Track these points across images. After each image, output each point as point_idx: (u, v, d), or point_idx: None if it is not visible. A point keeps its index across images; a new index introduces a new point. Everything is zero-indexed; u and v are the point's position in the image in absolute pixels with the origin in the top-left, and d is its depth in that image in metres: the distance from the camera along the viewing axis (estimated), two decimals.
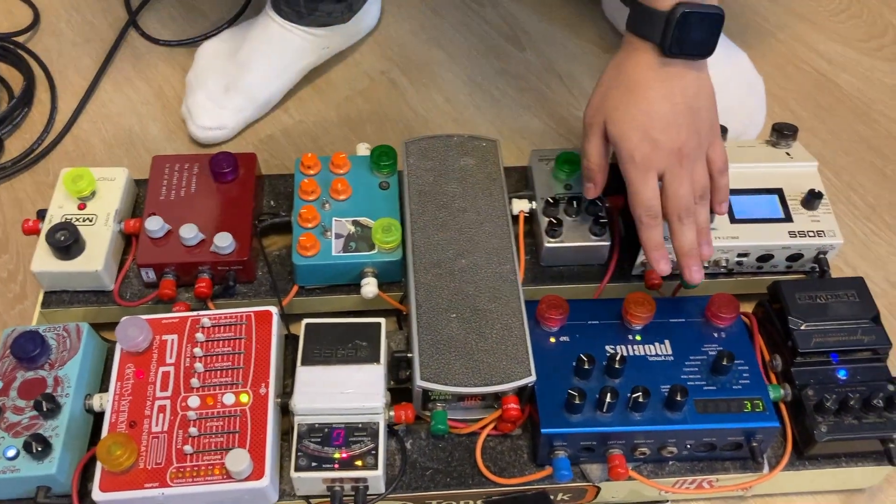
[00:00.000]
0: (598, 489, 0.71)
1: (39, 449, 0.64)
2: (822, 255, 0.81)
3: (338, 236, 0.79)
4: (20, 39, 1.06)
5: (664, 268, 0.72)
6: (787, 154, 0.86)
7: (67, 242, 0.75)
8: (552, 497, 0.72)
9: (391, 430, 0.72)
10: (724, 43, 1.02)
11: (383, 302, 0.80)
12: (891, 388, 0.71)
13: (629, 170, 0.71)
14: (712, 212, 0.75)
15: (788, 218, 0.81)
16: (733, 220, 0.81)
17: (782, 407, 0.73)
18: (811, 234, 0.80)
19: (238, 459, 0.63)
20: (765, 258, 0.81)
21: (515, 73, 1.06)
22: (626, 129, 0.70)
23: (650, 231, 0.71)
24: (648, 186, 0.70)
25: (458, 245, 0.77)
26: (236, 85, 0.96)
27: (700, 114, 0.71)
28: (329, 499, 0.67)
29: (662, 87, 0.69)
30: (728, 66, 1.00)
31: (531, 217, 0.84)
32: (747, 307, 0.81)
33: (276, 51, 0.97)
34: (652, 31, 0.69)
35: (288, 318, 0.78)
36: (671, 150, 0.69)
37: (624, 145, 0.70)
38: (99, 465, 0.64)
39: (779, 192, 0.83)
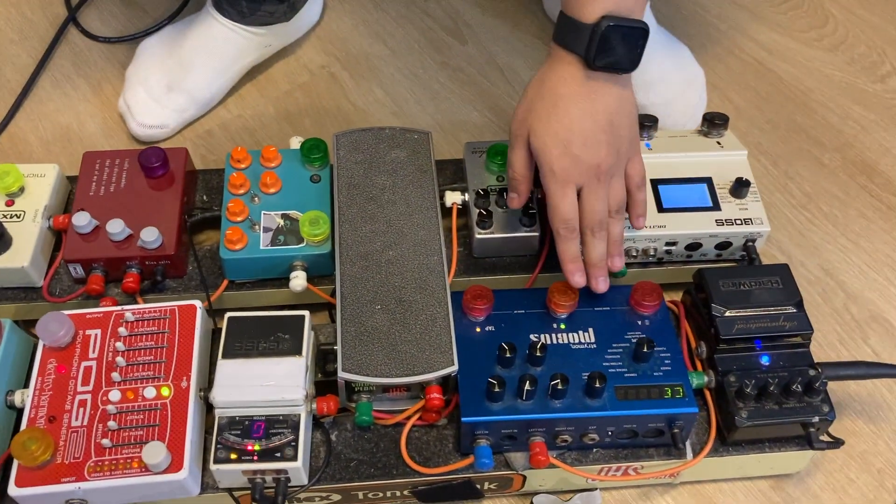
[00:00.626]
0: (524, 477, 0.72)
1: None
2: (750, 243, 0.82)
3: (266, 230, 0.79)
4: None
5: (579, 280, 0.73)
6: (718, 143, 0.87)
7: None
8: (479, 486, 0.72)
9: (316, 422, 0.72)
10: (665, 36, 1.03)
11: (316, 296, 0.80)
12: (812, 373, 0.72)
13: (549, 183, 0.71)
14: (630, 226, 0.77)
15: (717, 206, 0.82)
16: (661, 209, 0.81)
17: (707, 394, 0.74)
18: (738, 221, 0.81)
19: (154, 452, 0.63)
20: (693, 247, 0.82)
21: (457, 67, 1.06)
22: (548, 142, 0.70)
23: (567, 243, 0.72)
24: (567, 200, 0.71)
25: (386, 237, 0.77)
26: (179, 85, 0.96)
27: (621, 130, 0.71)
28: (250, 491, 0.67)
29: (585, 103, 0.70)
30: (669, 59, 1.01)
31: (464, 209, 0.84)
32: (676, 296, 0.82)
33: (218, 50, 0.97)
34: (577, 44, 0.69)
35: (219, 313, 0.78)
36: (590, 166, 0.70)
37: (545, 158, 0.71)
38: (16, 461, 0.64)
39: (708, 180, 0.84)
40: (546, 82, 0.71)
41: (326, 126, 0.99)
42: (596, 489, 0.75)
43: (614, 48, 0.68)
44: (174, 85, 0.96)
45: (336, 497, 0.72)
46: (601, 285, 0.74)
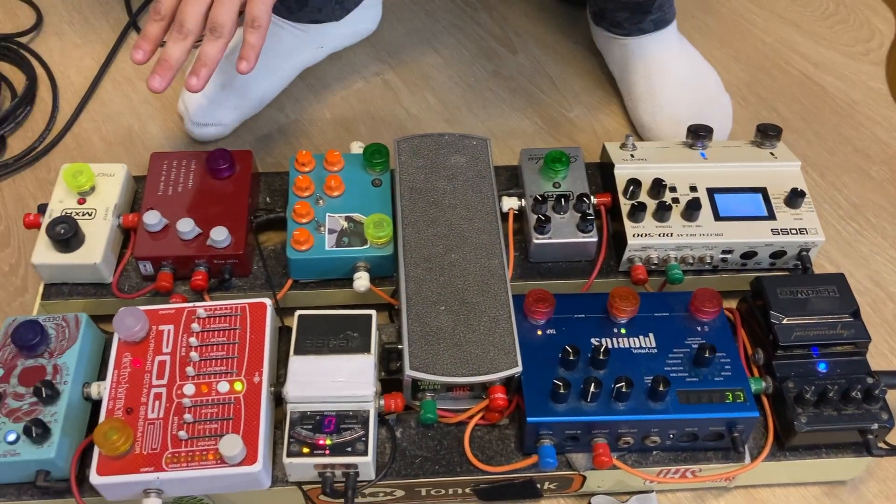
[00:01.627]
0: (584, 478, 0.73)
1: (39, 433, 0.66)
2: (804, 253, 0.83)
3: (331, 231, 0.81)
4: (23, 40, 1.08)
5: (135, 55, 0.76)
6: (772, 154, 0.88)
7: (67, 235, 0.77)
8: (539, 486, 0.74)
9: (381, 419, 0.73)
10: (691, 58, 1.03)
11: (376, 297, 0.81)
12: (869, 380, 0.73)
13: None
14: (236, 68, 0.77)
15: (772, 216, 0.83)
16: (718, 217, 0.83)
17: (764, 400, 0.75)
18: (794, 231, 0.82)
19: (231, 444, 0.65)
20: (748, 255, 0.83)
21: (507, 76, 1.08)
22: None
23: (148, 25, 0.76)
24: None
25: (448, 240, 0.78)
26: (231, 82, 0.98)
27: None
28: (320, 485, 0.69)
29: None
30: (689, 80, 1.01)
31: (520, 214, 0.86)
32: (731, 304, 0.83)
33: (268, 47, 0.99)
34: None
35: (282, 311, 0.80)
36: None
37: None
38: (96, 450, 0.66)
39: (762, 190, 0.85)
40: None
41: (381, 131, 1.01)
42: (652, 491, 0.76)
43: None
44: (226, 83, 0.98)
45: (400, 493, 0.73)
46: (155, 81, 0.75)
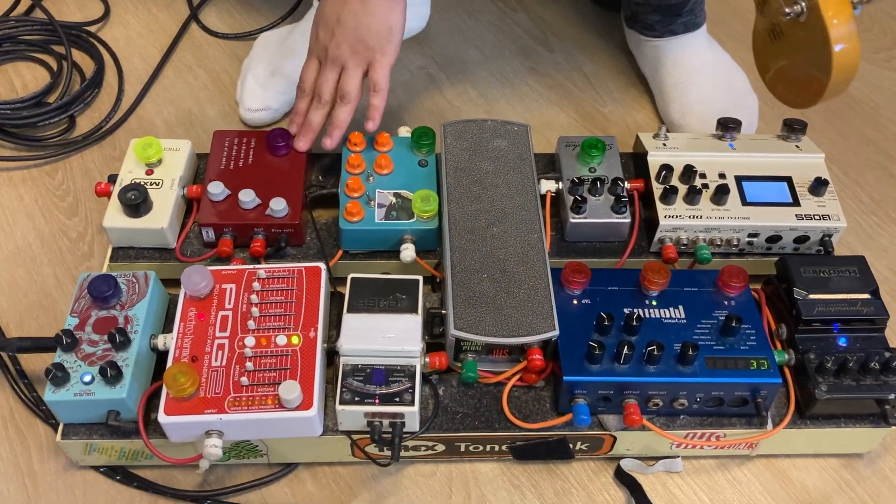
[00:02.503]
0: (615, 439, 0.78)
1: (113, 375, 0.71)
2: (826, 238, 0.87)
3: (380, 206, 0.86)
4: (92, 29, 1.16)
5: (301, 145, 0.90)
6: (797, 147, 0.93)
7: (137, 201, 0.83)
8: (571, 446, 0.78)
9: (425, 378, 0.78)
10: (719, 57, 1.08)
11: (419, 269, 0.87)
12: (887, 354, 0.77)
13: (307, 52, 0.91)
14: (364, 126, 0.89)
15: (796, 202, 0.88)
16: (745, 202, 0.87)
17: (786, 372, 0.79)
18: (817, 217, 0.87)
19: (290, 389, 0.70)
20: (774, 239, 0.88)
21: (544, 72, 1.14)
22: (317, 17, 0.89)
23: (299, 102, 0.91)
24: (308, 68, 0.90)
25: (490, 215, 0.84)
26: (281, 69, 1.04)
27: (361, 33, 0.85)
28: (368, 435, 0.73)
29: (355, 4, 0.85)
30: (718, 80, 1.06)
31: (557, 197, 0.91)
32: (756, 286, 0.87)
33: None
34: None
35: (333, 280, 0.85)
36: (322, 47, 0.88)
37: (312, 28, 0.90)
38: (164, 392, 0.71)
39: (788, 179, 0.89)
40: None
41: (424, 120, 1.07)
42: (678, 457, 0.80)
43: None
44: (277, 70, 1.04)
45: (440, 448, 0.78)
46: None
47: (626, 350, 0.73)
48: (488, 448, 0.78)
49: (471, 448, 0.78)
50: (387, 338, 0.74)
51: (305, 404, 0.71)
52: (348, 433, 0.75)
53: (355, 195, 0.86)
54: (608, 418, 0.77)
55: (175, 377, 0.70)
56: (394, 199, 0.87)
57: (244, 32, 1.16)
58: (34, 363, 0.84)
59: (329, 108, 0.89)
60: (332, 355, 0.77)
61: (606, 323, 0.76)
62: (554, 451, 0.78)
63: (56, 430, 0.76)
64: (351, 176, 0.88)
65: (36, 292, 0.90)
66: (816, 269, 0.81)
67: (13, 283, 0.91)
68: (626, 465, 0.80)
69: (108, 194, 0.87)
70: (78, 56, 1.12)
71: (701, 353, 0.75)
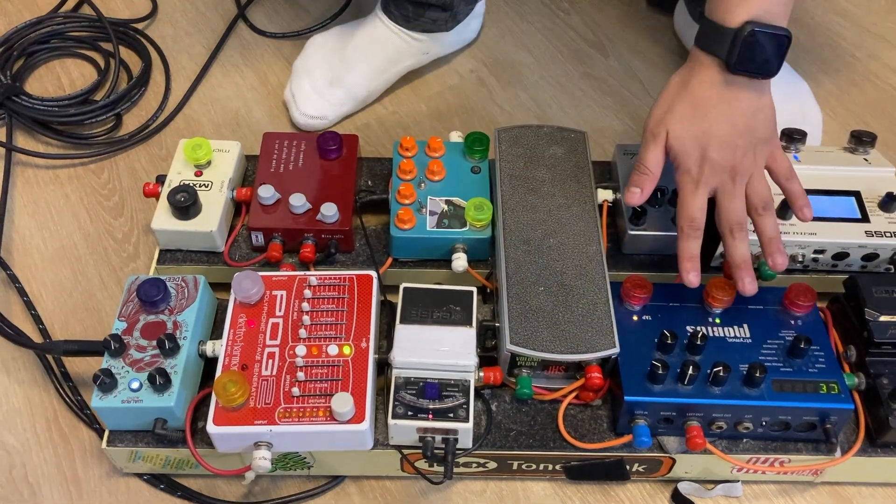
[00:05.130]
0: (674, 461, 0.75)
1: (161, 382, 0.70)
2: None
3: (432, 213, 0.84)
4: (139, 26, 1.15)
5: (692, 279, 0.74)
6: (865, 160, 0.89)
7: (187, 203, 0.82)
8: (628, 468, 0.75)
9: (478, 392, 0.76)
10: (785, 71, 1.05)
11: (470, 278, 0.84)
12: None
13: (684, 183, 0.75)
14: (796, 217, 0.78)
15: (865, 218, 0.84)
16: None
17: (856, 396, 0.76)
18: (888, 234, 0.83)
19: (343, 402, 0.68)
20: (840, 256, 0.84)
21: (598, 77, 1.11)
22: (687, 145, 0.74)
23: (688, 241, 0.75)
24: (697, 201, 0.74)
25: (547, 225, 0.81)
26: (340, 80, 1.03)
27: (758, 133, 0.74)
28: (420, 451, 0.71)
29: (724, 107, 0.73)
30: (780, 92, 1.02)
31: (614, 207, 0.88)
32: (821, 305, 0.84)
33: (379, 51, 1.03)
34: (719, 48, 0.72)
35: (383, 288, 0.83)
36: (724, 169, 0.74)
37: (682, 161, 0.75)
38: (213, 401, 0.69)
39: (856, 194, 0.86)
40: (686, 85, 0.75)
41: (475, 125, 1.05)
42: (738, 481, 0.77)
43: (756, 54, 0.71)
44: (336, 80, 1.03)
45: (492, 465, 0.75)
46: (748, 286, 0.75)
47: (690, 370, 0.70)
48: (542, 467, 0.76)
49: (524, 466, 0.76)
50: (441, 351, 0.72)
51: (357, 417, 0.69)
52: (399, 447, 0.73)
53: (407, 202, 0.84)
54: (668, 440, 0.74)
55: (226, 386, 0.68)
56: (446, 207, 0.85)
57: (292, 32, 1.14)
58: (79, 366, 0.83)
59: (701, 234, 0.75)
60: (382, 366, 0.75)
61: (669, 341, 0.73)
62: (610, 472, 0.76)
63: (100, 435, 0.75)
64: (402, 182, 0.86)
65: (81, 293, 0.89)
66: (889, 289, 0.77)
67: (58, 284, 0.90)
68: (683, 488, 0.77)
69: (157, 195, 0.86)
70: (125, 54, 1.11)
71: (768, 375, 0.72)
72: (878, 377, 0.74)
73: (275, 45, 1.14)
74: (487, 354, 0.77)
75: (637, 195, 0.77)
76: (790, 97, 1.03)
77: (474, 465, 0.75)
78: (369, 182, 0.92)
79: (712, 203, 0.76)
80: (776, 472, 0.76)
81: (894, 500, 0.77)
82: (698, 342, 0.72)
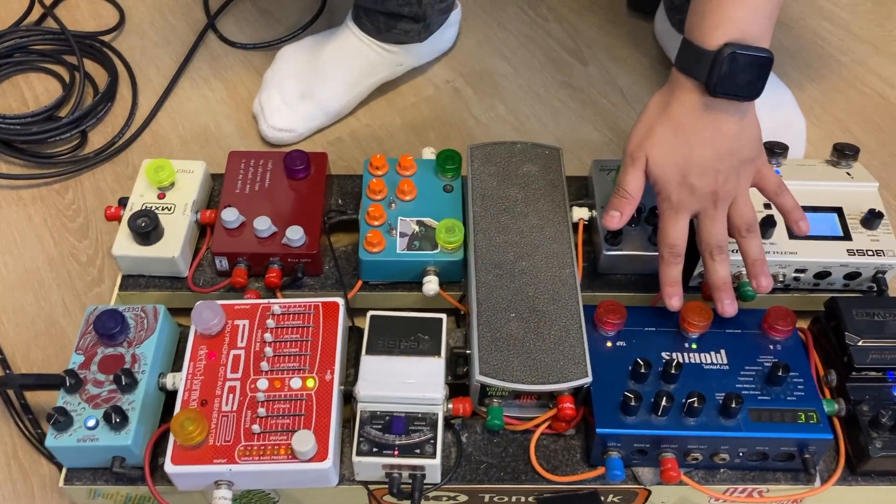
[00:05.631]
0: (649, 493, 0.73)
1: (117, 420, 0.67)
2: (880, 275, 0.81)
3: (402, 235, 0.82)
4: (106, 38, 1.12)
5: (675, 304, 0.74)
6: (848, 174, 0.87)
7: (148, 229, 0.79)
8: (603, 499, 0.73)
9: (447, 423, 0.74)
10: (770, 78, 1.01)
11: (442, 301, 0.82)
12: None
13: (664, 209, 0.73)
14: (794, 231, 0.76)
15: (847, 236, 0.82)
16: (792, 236, 0.82)
17: (836, 422, 0.74)
18: (870, 252, 0.81)
19: (304, 440, 0.66)
20: (822, 275, 0.82)
21: (577, 86, 1.08)
22: (667, 172, 0.72)
23: (670, 267, 0.74)
24: (678, 226, 0.73)
25: (519, 248, 0.79)
26: (311, 93, 1.00)
27: (741, 153, 0.72)
28: (387, 486, 0.69)
29: (705, 132, 0.71)
30: (764, 101, 1.00)
31: (590, 225, 0.85)
32: (802, 324, 0.81)
33: (352, 63, 1.01)
34: (699, 71, 0.69)
35: (351, 312, 0.81)
36: (705, 195, 0.72)
37: (662, 186, 0.73)
38: (171, 439, 0.67)
39: (838, 210, 0.84)
40: (667, 108, 0.72)
41: (450, 138, 1.02)
42: None
43: (736, 77, 0.68)
44: (307, 93, 1.00)
45: (463, 498, 0.73)
46: (728, 308, 0.74)
47: (664, 402, 0.68)
48: (514, 500, 0.73)
49: (495, 499, 0.74)
50: (407, 384, 0.70)
51: (320, 455, 0.67)
52: (365, 483, 0.71)
53: (376, 223, 0.82)
54: (643, 471, 0.72)
55: (183, 425, 0.66)
56: (417, 228, 0.82)
57: (263, 42, 1.11)
58: (39, 397, 0.81)
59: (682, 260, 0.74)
60: (349, 396, 0.72)
61: (643, 370, 0.70)
62: None
63: (61, 470, 0.72)
64: (372, 203, 0.83)
65: (43, 320, 0.87)
66: (870, 312, 0.75)
67: (20, 310, 0.87)
68: None
69: (119, 219, 0.83)
70: (91, 67, 1.08)
71: (745, 405, 0.69)
72: (858, 404, 0.72)
73: (245, 57, 1.11)
74: (459, 382, 0.75)
75: (616, 219, 0.75)
76: (773, 106, 1.00)
77: (444, 498, 0.73)
78: (339, 201, 0.90)
79: (693, 223, 0.74)
80: (754, 503, 0.74)
81: None
82: (672, 371, 0.70)
